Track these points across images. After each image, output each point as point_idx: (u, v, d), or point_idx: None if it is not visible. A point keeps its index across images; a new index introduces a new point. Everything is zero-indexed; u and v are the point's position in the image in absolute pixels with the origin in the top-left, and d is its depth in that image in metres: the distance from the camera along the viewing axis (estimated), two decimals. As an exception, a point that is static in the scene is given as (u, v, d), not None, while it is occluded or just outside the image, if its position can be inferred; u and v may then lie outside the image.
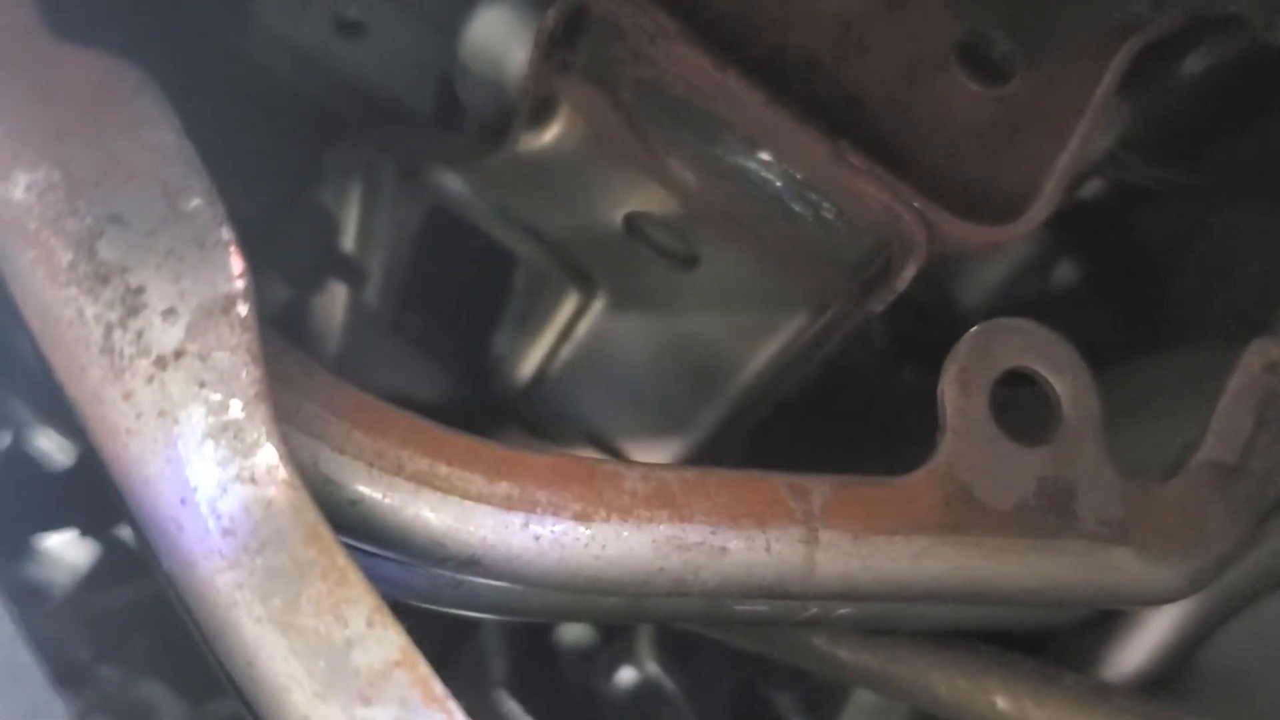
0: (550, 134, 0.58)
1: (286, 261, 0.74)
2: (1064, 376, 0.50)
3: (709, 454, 0.74)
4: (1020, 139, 0.55)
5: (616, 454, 0.81)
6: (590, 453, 0.83)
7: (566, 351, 0.75)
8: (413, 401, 0.88)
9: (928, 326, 0.75)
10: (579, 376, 0.77)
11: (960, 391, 0.49)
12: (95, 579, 0.93)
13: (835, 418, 0.76)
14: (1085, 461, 0.49)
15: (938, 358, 0.51)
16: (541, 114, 0.56)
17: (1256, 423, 0.51)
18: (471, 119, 0.63)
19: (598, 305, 0.70)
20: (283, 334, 0.44)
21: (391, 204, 0.70)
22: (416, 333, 0.85)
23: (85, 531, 0.85)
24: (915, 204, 0.51)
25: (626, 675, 0.91)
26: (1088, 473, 0.49)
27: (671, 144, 0.56)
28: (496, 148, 0.59)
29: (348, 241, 0.75)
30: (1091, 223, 0.75)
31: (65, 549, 0.93)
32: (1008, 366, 0.50)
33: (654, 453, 0.79)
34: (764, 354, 0.64)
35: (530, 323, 0.76)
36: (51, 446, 0.85)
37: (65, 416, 0.41)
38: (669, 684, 0.86)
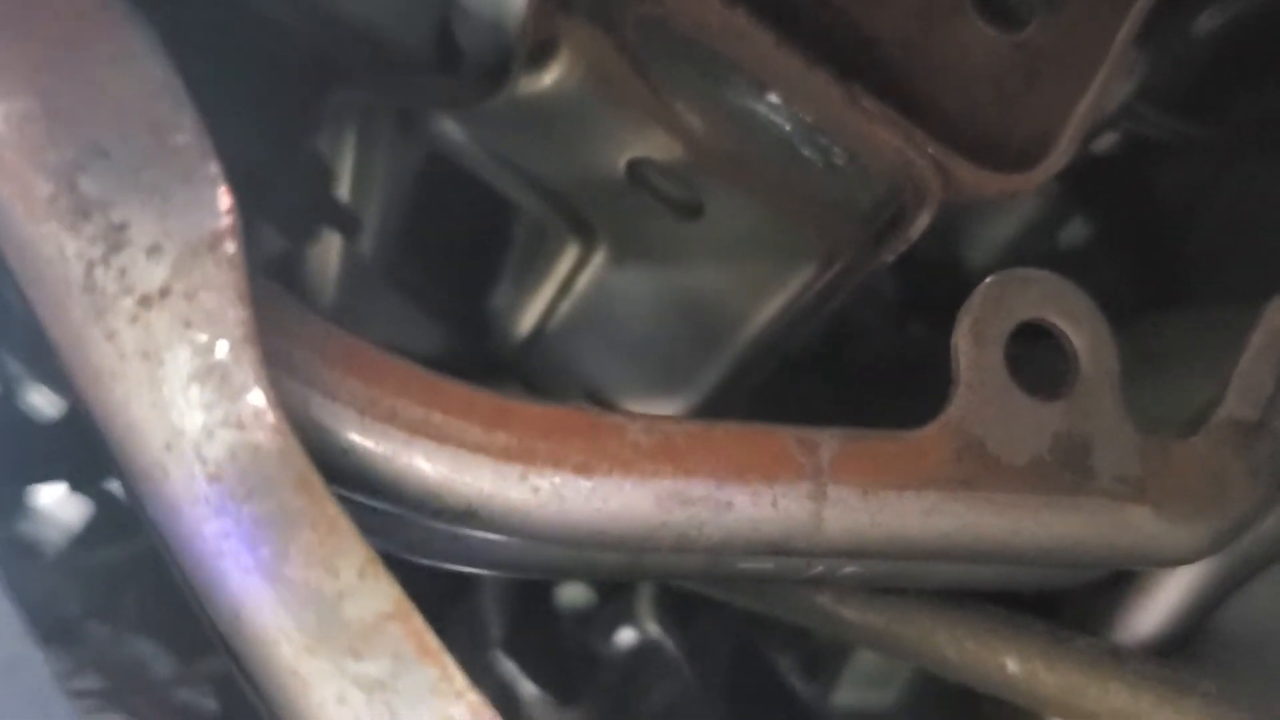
0: (550, 77, 0.56)
1: (280, 210, 0.72)
2: (1082, 328, 0.49)
3: (712, 410, 0.73)
4: (1037, 86, 0.54)
5: (617, 410, 0.80)
6: (584, 404, 0.82)
7: (566, 305, 0.74)
8: (408, 354, 0.87)
9: (938, 282, 0.74)
10: (579, 331, 0.76)
11: (974, 343, 0.48)
12: (88, 535, 0.92)
13: (842, 374, 0.75)
14: (1103, 416, 0.48)
15: (947, 315, 0.49)
16: (541, 56, 0.55)
17: (1279, 380, 0.50)
18: (470, 62, 0.61)
19: (599, 257, 0.69)
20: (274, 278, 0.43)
21: (388, 151, 0.69)
22: (413, 285, 0.84)
23: (75, 486, 0.84)
24: (930, 150, 0.50)
25: (626, 636, 0.90)
26: (1105, 428, 0.48)
27: (677, 86, 0.54)
28: (495, 92, 0.57)
29: (343, 190, 0.73)
30: (1107, 177, 0.74)
31: (58, 506, 0.92)
32: (1023, 318, 0.48)
33: (655, 409, 0.78)
34: (770, 307, 0.63)
35: (529, 275, 0.75)
36: (41, 401, 0.84)
37: (53, 369, 0.40)
38: (669, 644, 0.85)
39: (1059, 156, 0.51)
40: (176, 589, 0.41)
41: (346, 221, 0.71)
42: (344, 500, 0.40)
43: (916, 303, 0.79)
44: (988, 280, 0.48)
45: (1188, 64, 0.67)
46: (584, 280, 0.71)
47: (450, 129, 0.64)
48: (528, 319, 0.78)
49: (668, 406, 0.77)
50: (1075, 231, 0.80)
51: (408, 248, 0.81)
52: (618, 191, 0.62)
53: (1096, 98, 0.53)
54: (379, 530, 0.46)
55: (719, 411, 0.72)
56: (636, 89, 0.56)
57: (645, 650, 0.86)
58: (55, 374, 0.39)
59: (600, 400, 0.81)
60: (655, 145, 0.58)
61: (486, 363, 0.85)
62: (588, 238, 0.68)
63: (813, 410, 0.53)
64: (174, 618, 0.82)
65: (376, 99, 0.63)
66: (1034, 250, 0.79)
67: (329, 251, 0.79)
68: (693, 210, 0.61)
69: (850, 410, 0.58)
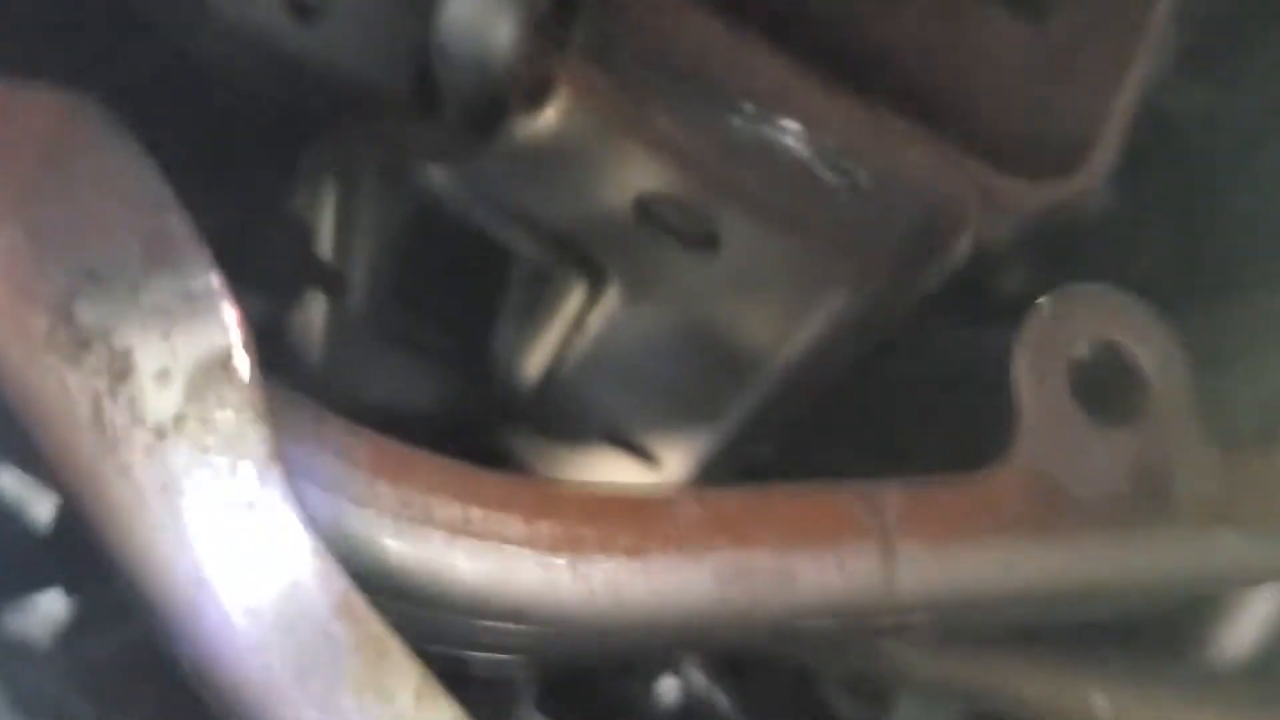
0: (547, 118, 0.56)
1: (262, 273, 0.72)
2: (1150, 346, 0.49)
3: (743, 448, 0.73)
4: (1071, 79, 0.54)
5: (641, 453, 0.81)
6: (612, 453, 0.82)
7: (579, 346, 0.74)
8: (411, 409, 0.88)
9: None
10: (594, 372, 0.76)
11: (1034, 373, 0.48)
12: (84, 623, 0.92)
13: (905, 395, 0.75)
14: (1179, 437, 0.48)
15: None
16: (536, 97, 0.55)
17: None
18: (454, 108, 0.61)
19: (611, 296, 0.69)
20: (286, 381, 0.43)
21: (372, 204, 0.69)
22: (409, 337, 0.84)
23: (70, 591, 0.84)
24: (965, 166, 0.50)
25: (668, 687, 0.90)
26: (1183, 450, 0.48)
27: (684, 119, 0.54)
28: (486, 137, 0.57)
29: (325, 246, 0.73)
30: (1139, 152, 0.74)
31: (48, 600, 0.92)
32: (1087, 341, 0.48)
33: (682, 449, 0.78)
34: (797, 341, 0.63)
35: (533, 320, 0.75)
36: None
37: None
38: (719, 697, 0.86)
39: (1102, 159, 0.52)
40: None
41: (331, 281, 0.71)
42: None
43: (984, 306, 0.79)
44: (1041, 301, 0.48)
45: (1218, 23, 0.67)
46: (596, 320, 0.71)
47: (438, 179, 0.64)
48: (536, 362, 0.79)
49: (696, 445, 0.77)
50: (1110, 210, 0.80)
51: (400, 300, 0.81)
52: (627, 229, 0.62)
53: (1136, 86, 0.53)
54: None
55: (752, 446, 0.73)
56: (640, 124, 0.56)
57: (692, 702, 0.87)
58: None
59: (624, 442, 0.81)
60: (664, 179, 0.58)
61: (497, 410, 0.86)
62: (597, 278, 0.68)
63: (871, 441, 0.54)
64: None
65: (357, 153, 0.63)
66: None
67: (315, 311, 0.79)
68: (708, 242, 0.61)
69: (918, 438, 0.58)
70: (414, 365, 0.83)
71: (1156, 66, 0.67)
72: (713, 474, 0.78)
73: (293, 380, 0.77)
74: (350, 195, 0.68)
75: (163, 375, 0.38)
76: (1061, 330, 0.48)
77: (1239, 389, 0.57)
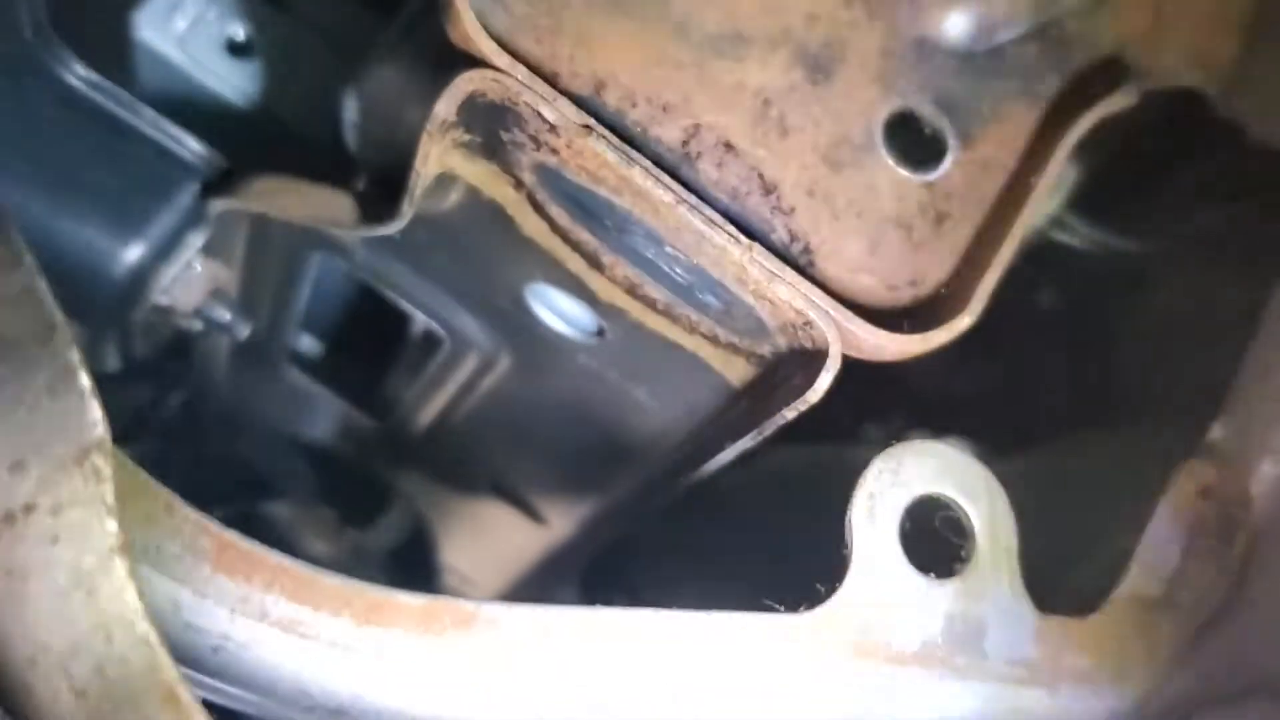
0: (448, 205, 0.60)
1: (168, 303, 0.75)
2: (979, 504, 0.53)
3: (624, 518, 0.77)
4: (949, 230, 0.58)
5: (525, 506, 0.84)
6: (498, 505, 0.86)
7: (469, 404, 0.78)
8: (306, 436, 0.90)
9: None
10: (483, 429, 0.80)
11: (868, 521, 0.52)
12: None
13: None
14: (998, 597, 0.52)
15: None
16: (439, 186, 0.58)
17: (1184, 552, 0.55)
18: (362, 175, 0.64)
19: (501, 367, 0.72)
20: (145, 464, 0.46)
21: (280, 255, 0.72)
22: (310, 364, 0.87)
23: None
24: (831, 311, 0.53)
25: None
26: (1000, 609, 0.52)
27: (576, 226, 0.58)
28: (390, 214, 0.60)
29: (234, 279, 0.76)
30: (1029, 282, 0.78)
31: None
32: (920, 494, 0.52)
33: (564, 511, 0.82)
34: (675, 432, 0.67)
35: (427, 374, 0.78)
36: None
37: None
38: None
39: (969, 314, 0.55)
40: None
41: (230, 326, 0.74)
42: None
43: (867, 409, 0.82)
44: (882, 454, 0.52)
45: (1116, 176, 0.71)
46: (486, 385, 0.75)
47: (344, 246, 0.67)
48: (428, 413, 0.82)
49: (576, 508, 0.81)
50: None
51: (307, 327, 0.84)
52: (518, 311, 0.66)
53: (1016, 243, 0.57)
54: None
55: (633, 517, 0.76)
56: (535, 223, 0.59)
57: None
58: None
59: (509, 494, 0.85)
60: (554, 274, 0.61)
61: (391, 444, 0.89)
62: (489, 350, 0.71)
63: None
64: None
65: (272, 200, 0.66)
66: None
67: (218, 341, 0.82)
68: (595, 331, 0.65)
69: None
70: (313, 388, 0.86)
71: (1048, 210, 0.71)
72: (593, 537, 0.82)
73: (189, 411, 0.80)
74: (260, 245, 0.71)
75: (18, 467, 0.41)
76: (898, 480, 0.52)
77: (1083, 512, 0.61)
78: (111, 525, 0.42)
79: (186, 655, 0.45)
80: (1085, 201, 0.73)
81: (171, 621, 0.45)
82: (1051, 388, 0.79)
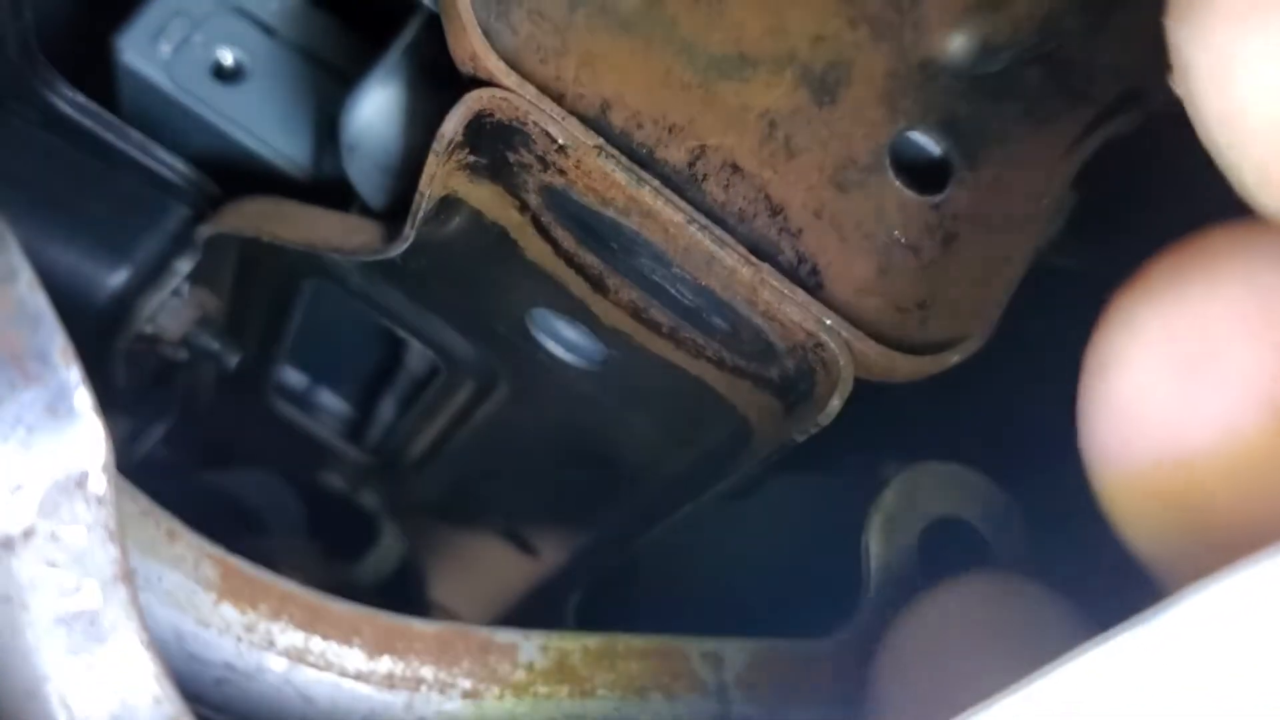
0: (450, 229, 0.58)
1: (154, 330, 0.73)
2: (994, 524, 0.51)
3: (619, 548, 0.75)
4: (957, 251, 0.56)
5: (516, 537, 0.82)
6: (489, 536, 0.84)
7: (463, 433, 0.76)
8: (294, 466, 0.88)
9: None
10: (475, 459, 0.78)
11: (885, 544, 0.50)
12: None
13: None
14: (1015, 618, 0.50)
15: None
16: (441, 210, 0.56)
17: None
18: (359, 201, 0.63)
19: (498, 395, 0.70)
20: (146, 490, 0.44)
21: (271, 282, 0.70)
22: (299, 394, 0.85)
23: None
24: (842, 333, 0.52)
25: None
26: (1017, 631, 0.50)
27: (581, 249, 0.56)
28: (389, 239, 0.59)
29: (222, 304, 0.74)
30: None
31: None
32: (937, 515, 0.51)
33: (557, 543, 0.80)
34: (677, 463, 0.65)
35: (421, 402, 0.77)
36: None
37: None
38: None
39: (976, 336, 0.54)
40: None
41: (218, 355, 0.72)
42: None
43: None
44: (898, 477, 0.51)
45: (1116, 200, 0.70)
46: (482, 414, 0.73)
47: (339, 273, 0.65)
48: (419, 443, 0.80)
49: (570, 539, 0.79)
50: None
51: (294, 360, 0.82)
52: (519, 338, 0.64)
53: (1022, 267, 0.56)
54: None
55: (624, 547, 0.75)
56: (540, 246, 0.58)
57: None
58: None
59: (500, 524, 0.83)
60: (558, 299, 0.60)
61: (380, 475, 0.87)
62: (487, 378, 0.70)
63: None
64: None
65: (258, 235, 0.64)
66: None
67: (204, 367, 0.80)
68: (598, 360, 0.63)
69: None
70: (299, 417, 0.84)
71: (1049, 233, 0.70)
72: (587, 568, 0.80)
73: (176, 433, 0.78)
74: (251, 272, 0.69)
75: (18, 489, 0.39)
76: (915, 503, 0.51)
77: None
78: (114, 551, 0.40)
79: (190, 688, 0.43)
80: (1084, 225, 0.72)
81: (174, 652, 0.43)
82: (1048, 413, 0.78)
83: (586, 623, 0.81)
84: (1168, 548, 0.37)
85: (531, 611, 0.85)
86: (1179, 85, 0.34)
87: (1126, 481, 0.38)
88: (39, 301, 0.40)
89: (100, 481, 0.40)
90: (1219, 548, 0.32)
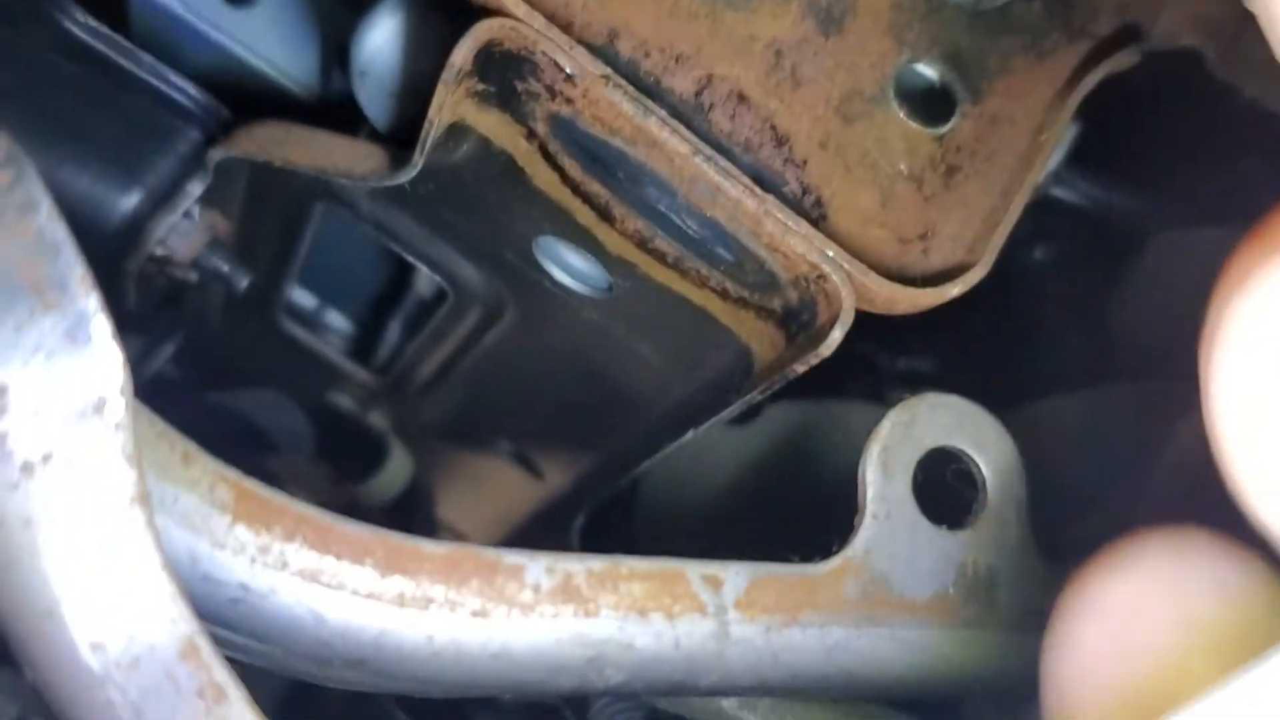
0: (459, 155, 0.58)
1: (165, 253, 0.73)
2: (989, 456, 0.52)
3: (623, 473, 0.76)
4: (959, 183, 0.57)
5: (523, 459, 0.83)
6: (495, 458, 0.84)
7: (470, 358, 0.77)
8: (304, 388, 0.89)
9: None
10: (483, 383, 0.78)
11: (882, 473, 0.51)
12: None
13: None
14: (1008, 548, 0.51)
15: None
16: (449, 137, 0.56)
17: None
18: (368, 126, 0.63)
19: (505, 322, 0.71)
20: (159, 412, 0.45)
21: (281, 206, 0.70)
22: (309, 316, 0.86)
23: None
24: (845, 265, 0.52)
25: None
26: (1010, 560, 0.51)
27: (588, 177, 0.57)
28: (398, 164, 0.59)
29: (231, 227, 0.75)
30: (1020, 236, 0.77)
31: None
32: (932, 445, 0.51)
33: (561, 464, 0.81)
34: (680, 390, 0.66)
35: (429, 327, 0.77)
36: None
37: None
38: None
39: (978, 268, 0.54)
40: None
41: (227, 277, 0.72)
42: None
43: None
44: (896, 406, 0.51)
45: (1117, 134, 0.70)
46: (489, 340, 0.73)
47: (349, 198, 0.66)
48: (427, 367, 0.81)
49: (573, 462, 0.80)
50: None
51: (304, 283, 0.82)
52: (526, 266, 0.64)
53: (1021, 204, 0.56)
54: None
55: (625, 470, 0.75)
56: (547, 174, 0.58)
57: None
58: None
59: (505, 448, 0.84)
60: (565, 227, 0.60)
61: (388, 397, 0.88)
62: (494, 305, 0.70)
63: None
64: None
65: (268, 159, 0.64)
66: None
67: (213, 289, 0.80)
68: (603, 288, 0.64)
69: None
70: (309, 347, 0.85)
71: (1050, 166, 0.70)
72: (591, 492, 0.81)
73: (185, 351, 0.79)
74: (260, 195, 0.69)
75: (37, 414, 0.40)
76: (911, 433, 0.51)
77: (1090, 501, 0.61)
78: (130, 475, 0.41)
79: (205, 608, 0.44)
80: (1084, 158, 0.72)
81: (189, 573, 0.44)
82: (1050, 343, 0.78)
83: (590, 545, 0.82)
84: None
85: (536, 533, 0.86)
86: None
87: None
88: (59, 231, 0.40)
89: (118, 407, 0.40)
90: None
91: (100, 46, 0.65)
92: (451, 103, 0.53)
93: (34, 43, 0.64)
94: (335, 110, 0.68)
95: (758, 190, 0.53)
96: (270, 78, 0.71)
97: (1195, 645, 0.41)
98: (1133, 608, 0.42)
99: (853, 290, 0.53)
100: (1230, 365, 0.39)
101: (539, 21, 0.50)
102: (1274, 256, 0.39)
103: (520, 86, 0.53)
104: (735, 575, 0.49)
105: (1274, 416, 0.38)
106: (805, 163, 0.55)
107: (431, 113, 0.53)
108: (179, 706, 0.40)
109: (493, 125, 0.56)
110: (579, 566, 0.47)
